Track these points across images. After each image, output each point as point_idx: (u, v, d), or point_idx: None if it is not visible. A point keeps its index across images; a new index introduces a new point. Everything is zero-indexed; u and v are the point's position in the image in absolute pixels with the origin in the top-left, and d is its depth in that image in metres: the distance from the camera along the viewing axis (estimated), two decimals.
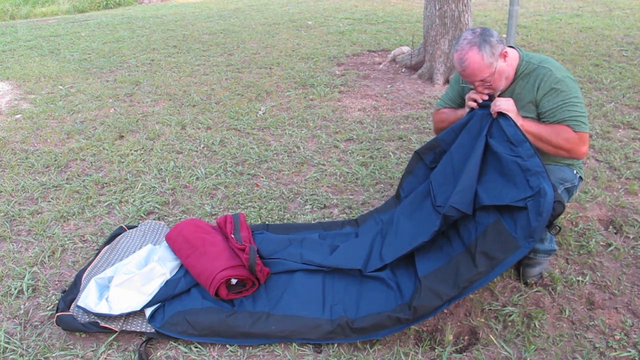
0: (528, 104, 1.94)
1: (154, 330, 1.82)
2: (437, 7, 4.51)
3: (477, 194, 1.86)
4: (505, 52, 1.91)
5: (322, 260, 2.09)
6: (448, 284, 1.73)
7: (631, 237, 2.35)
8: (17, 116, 4.10)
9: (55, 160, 3.27)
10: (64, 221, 2.61)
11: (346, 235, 2.29)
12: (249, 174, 3.04)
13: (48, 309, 1.99)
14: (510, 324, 1.85)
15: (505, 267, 1.69)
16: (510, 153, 1.83)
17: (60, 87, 4.86)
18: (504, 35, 3.95)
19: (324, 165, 3.14)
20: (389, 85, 4.69)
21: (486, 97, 1.99)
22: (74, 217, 2.64)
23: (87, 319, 1.85)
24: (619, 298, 1.98)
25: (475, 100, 2.02)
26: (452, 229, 1.93)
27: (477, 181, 1.89)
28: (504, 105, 1.90)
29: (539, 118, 1.93)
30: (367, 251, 2.11)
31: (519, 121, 1.89)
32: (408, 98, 4.32)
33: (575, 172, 2.04)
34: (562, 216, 2.49)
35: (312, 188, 2.86)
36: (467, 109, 2.07)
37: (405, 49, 5.49)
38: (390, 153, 3.27)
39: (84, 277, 2.06)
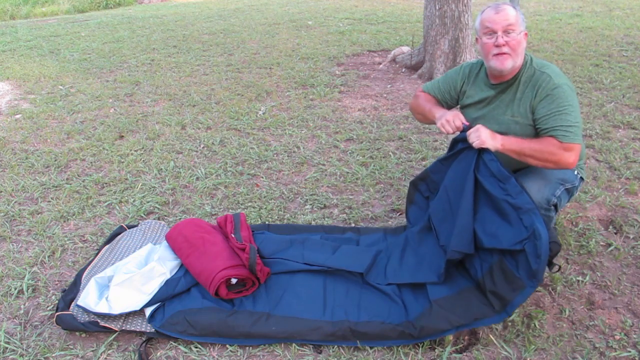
0: (526, 110, 1.93)
1: (153, 330, 1.82)
2: (437, 7, 4.51)
3: (475, 233, 1.88)
4: (526, 34, 1.92)
5: (325, 261, 2.08)
6: (458, 312, 1.77)
7: (631, 237, 2.35)
8: (17, 116, 4.10)
9: (55, 160, 3.27)
10: (64, 221, 2.61)
11: (347, 241, 2.29)
12: (249, 174, 3.04)
13: (48, 309, 1.99)
14: (510, 324, 1.85)
15: (515, 307, 1.73)
16: (500, 192, 1.84)
17: (60, 87, 4.86)
18: None
19: (324, 165, 3.14)
20: (389, 85, 4.69)
21: (460, 126, 1.96)
22: (74, 217, 2.64)
23: (87, 319, 1.85)
24: (619, 298, 1.98)
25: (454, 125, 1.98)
26: (458, 262, 1.95)
27: (473, 219, 1.90)
28: (477, 140, 1.86)
29: (534, 125, 1.92)
30: (370, 260, 2.10)
31: (498, 143, 1.85)
32: (408, 98, 4.32)
33: (576, 172, 2.04)
34: (562, 216, 2.49)
35: (312, 188, 2.86)
36: (439, 128, 2.03)
37: (405, 49, 5.49)
38: (390, 153, 3.27)
39: (84, 276, 2.06)
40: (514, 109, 1.97)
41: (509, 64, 1.89)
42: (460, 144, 2.03)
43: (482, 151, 1.92)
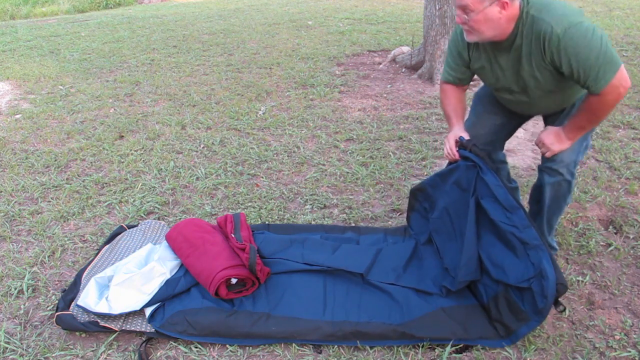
0: (540, 65, 1.72)
1: (153, 330, 1.82)
2: (437, 7, 4.51)
3: (481, 260, 1.88)
4: (507, 3, 1.65)
5: (325, 261, 2.08)
6: (464, 326, 1.78)
7: (631, 237, 2.35)
8: (17, 116, 4.10)
9: (55, 160, 3.27)
10: (64, 221, 2.61)
11: (347, 240, 2.29)
12: (249, 174, 3.04)
13: (48, 309, 1.99)
14: None
15: (520, 337, 1.73)
16: (506, 221, 1.81)
17: (60, 87, 4.86)
18: None
19: (324, 165, 3.14)
20: (389, 85, 4.69)
21: (454, 154, 1.96)
22: (74, 217, 2.64)
23: (87, 319, 1.85)
24: (619, 298, 1.98)
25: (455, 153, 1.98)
26: None
27: (477, 246, 1.90)
28: (551, 153, 1.83)
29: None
30: (370, 260, 2.10)
31: (566, 142, 1.81)
32: (408, 98, 4.32)
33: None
34: (562, 216, 2.49)
35: (312, 188, 2.86)
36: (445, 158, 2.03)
37: (405, 49, 5.49)
38: (390, 153, 3.27)
39: (84, 276, 2.06)
40: (525, 66, 1.76)
41: (473, 38, 1.75)
42: (462, 162, 2.01)
43: (483, 172, 1.89)
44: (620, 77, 1.62)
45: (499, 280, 1.79)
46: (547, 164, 1.94)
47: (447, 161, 2.12)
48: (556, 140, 1.83)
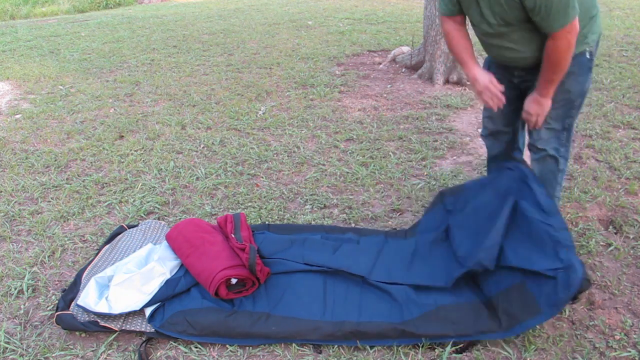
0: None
1: (153, 330, 1.82)
2: (437, 7, 4.51)
3: (502, 251, 1.90)
4: None
5: (325, 262, 2.08)
6: (464, 322, 1.78)
7: (631, 237, 2.35)
8: (17, 116, 4.11)
9: (55, 160, 3.27)
10: (64, 221, 2.61)
11: (348, 241, 2.29)
12: (249, 174, 3.04)
13: (48, 309, 1.99)
14: None
15: (524, 329, 1.73)
16: (543, 219, 1.87)
17: (60, 87, 4.86)
18: None
19: (324, 165, 3.14)
20: (389, 85, 4.69)
21: (502, 99, 1.97)
22: (74, 217, 2.64)
23: (87, 318, 1.85)
24: (619, 298, 1.98)
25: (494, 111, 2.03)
26: (469, 277, 1.97)
27: (503, 238, 1.93)
28: (536, 124, 1.96)
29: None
30: (371, 261, 2.10)
31: (546, 103, 1.92)
32: (408, 98, 4.32)
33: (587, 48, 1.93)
34: (562, 216, 2.49)
35: (312, 188, 2.86)
36: (482, 101, 2.04)
37: (405, 49, 5.49)
38: (390, 153, 3.27)
39: (84, 276, 2.06)
40: None
41: None
42: (509, 171, 2.10)
43: (530, 180, 1.98)
44: (574, 26, 1.73)
45: (522, 268, 1.80)
46: (530, 142, 2.13)
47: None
48: (536, 105, 1.94)
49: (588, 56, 1.95)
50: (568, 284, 1.66)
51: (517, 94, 2.13)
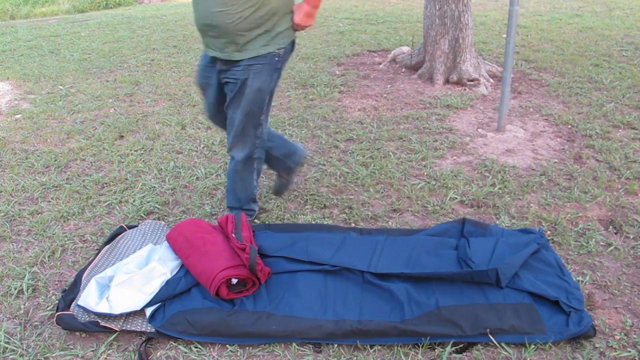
0: None
1: (154, 329, 1.82)
2: (437, 7, 4.51)
3: (517, 276, 1.97)
4: None
5: (329, 259, 2.09)
6: (467, 323, 1.79)
7: (631, 237, 2.35)
8: (17, 116, 4.11)
9: (55, 160, 3.28)
10: (64, 221, 2.61)
11: (350, 237, 2.29)
12: None
13: (48, 309, 1.99)
14: None
15: (522, 340, 1.75)
16: (560, 275, 2.00)
17: (60, 87, 4.86)
18: (504, 35, 3.94)
19: (324, 165, 3.14)
20: (389, 85, 4.69)
21: None
22: (74, 217, 2.64)
23: (87, 319, 1.85)
24: (619, 298, 1.98)
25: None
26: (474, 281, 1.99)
27: (521, 268, 2.00)
28: (303, 29, 2.11)
29: None
30: (373, 254, 2.12)
31: (311, 9, 2.07)
32: (408, 98, 4.32)
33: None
34: (562, 216, 2.50)
35: (312, 188, 2.86)
36: None
37: (405, 49, 5.49)
38: (390, 153, 3.27)
39: (84, 276, 2.06)
40: None
41: None
42: (533, 236, 2.22)
43: (548, 250, 2.14)
44: None
45: (536, 293, 1.88)
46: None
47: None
48: (305, 15, 2.07)
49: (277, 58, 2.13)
50: (580, 322, 1.76)
51: (214, 80, 2.25)
